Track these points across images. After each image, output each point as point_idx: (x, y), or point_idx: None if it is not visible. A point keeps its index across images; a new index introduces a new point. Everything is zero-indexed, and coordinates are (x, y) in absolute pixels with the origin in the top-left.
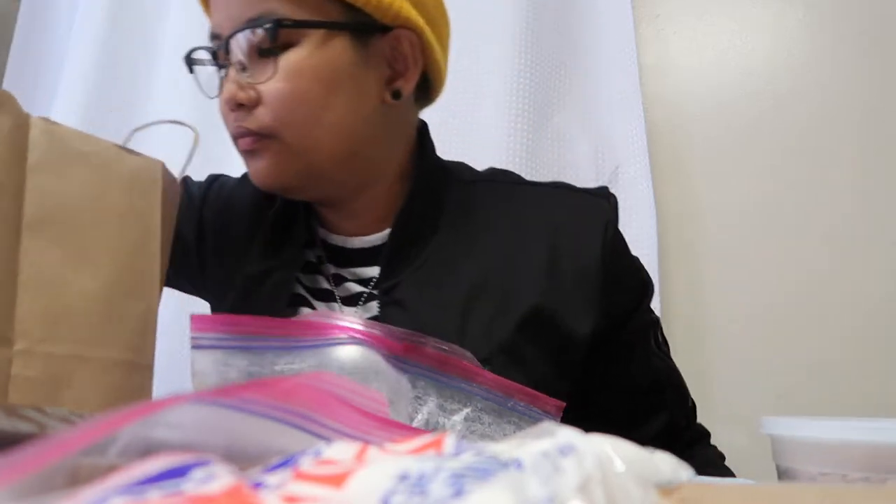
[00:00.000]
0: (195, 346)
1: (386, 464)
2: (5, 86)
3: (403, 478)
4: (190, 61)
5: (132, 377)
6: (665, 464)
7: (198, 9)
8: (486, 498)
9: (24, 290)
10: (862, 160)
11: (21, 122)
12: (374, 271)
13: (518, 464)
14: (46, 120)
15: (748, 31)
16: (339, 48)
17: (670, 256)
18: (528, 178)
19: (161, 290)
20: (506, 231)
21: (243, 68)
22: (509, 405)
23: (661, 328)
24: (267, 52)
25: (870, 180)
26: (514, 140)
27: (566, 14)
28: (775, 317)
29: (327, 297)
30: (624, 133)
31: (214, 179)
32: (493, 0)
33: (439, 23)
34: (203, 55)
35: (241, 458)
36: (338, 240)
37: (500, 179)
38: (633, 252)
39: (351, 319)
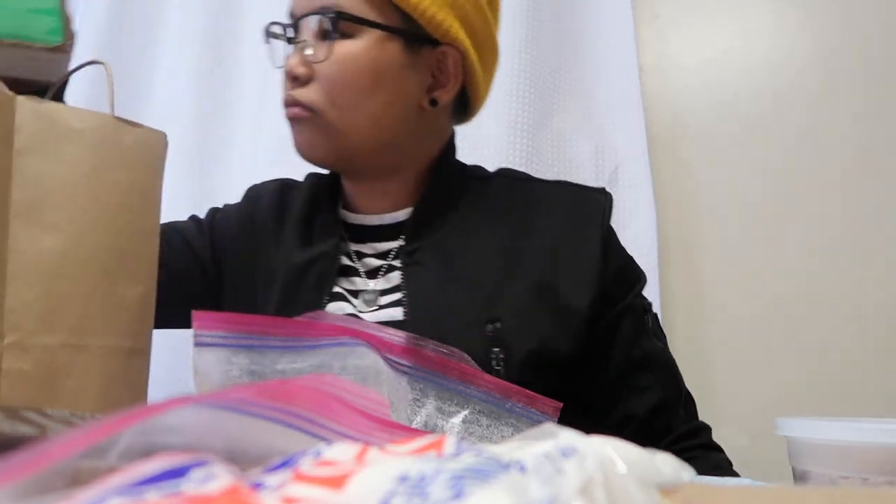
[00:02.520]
0: (197, 344)
1: (386, 465)
2: None
3: (403, 479)
4: (267, 33)
5: (131, 363)
6: (667, 465)
7: (197, 8)
8: (486, 499)
9: (14, 280)
10: (862, 160)
11: (4, 104)
12: (393, 244)
13: (520, 466)
14: (34, 99)
15: (748, 31)
16: (392, 50)
17: (670, 256)
18: None
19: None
20: (516, 217)
21: (306, 47)
22: (507, 407)
23: (657, 319)
24: (327, 35)
25: (869, 180)
26: (515, 140)
27: (566, 14)
28: (775, 316)
29: (350, 272)
30: (624, 133)
31: (217, 210)
32: None
33: (486, 50)
34: (277, 30)
35: (242, 459)
36: (357, 218)
37: (512, 175)
38: (633, 252)
39: (352, 321)
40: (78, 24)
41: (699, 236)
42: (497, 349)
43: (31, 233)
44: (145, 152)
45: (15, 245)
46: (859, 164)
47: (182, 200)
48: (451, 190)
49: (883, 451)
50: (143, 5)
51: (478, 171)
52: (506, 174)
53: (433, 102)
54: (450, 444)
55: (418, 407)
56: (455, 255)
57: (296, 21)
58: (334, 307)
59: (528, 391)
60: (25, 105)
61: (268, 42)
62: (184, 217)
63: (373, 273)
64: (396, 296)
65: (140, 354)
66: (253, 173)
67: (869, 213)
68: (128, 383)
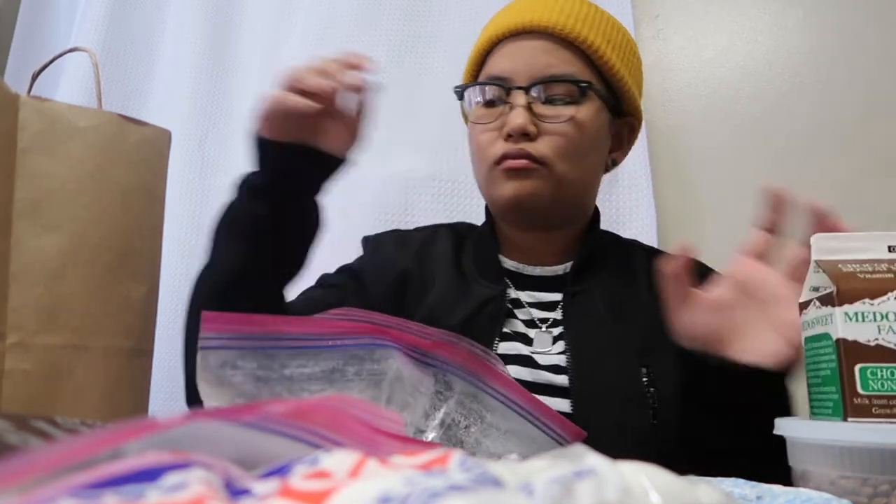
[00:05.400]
0: (203, 347)
1: (371, 484)
2: None
3: (385, 500)
4: (460, 92)
5: (134, 363)
6: (709, 497)
7: (196, 10)
8: None
9: (16, 281)
10: (862, 160)
11: (8, 103)
12: (555, 296)
13: (528, 488)
14: (38, 98)
15: (748, 31)
16: (604, 118)
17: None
18: None
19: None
20: (649, 278)
21: (529, 107)
22: (530, 419)
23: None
24: (561, 100)
25: (870, 180)
26: None
27: None
28: None
29: (511, 314)
30: None
31: (351, 266)
32: (491, 0)
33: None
34: (490, 90)
35: (249, 467)
36: (515, 266)
37: (634, 243)
38: None
39: (373, 316)
40: (78, 24)
41: (699, 236)
42: (651, 389)
43: (34, 232)
44: (149, 151)
45: (18, 245)
46: (859, 164)
47: (182, 200)
48: (603, 247)
49: (883, 451)
50: (143, 5)
51: (613, 235)
52: (640, 244)
53: (613, 162)
54: (455, 459)
55: (440, 401)
56: (611, 302)
57: (529, 86)
58: (506, 347)
59: (555, 412)
60: (29, 104)
61: (461, 100)
62: (183, 215)
63: (530, 324)
64: (559, 339)
65: (143, 355)
66: None
67: (869, 213)
68: (130, 384)
